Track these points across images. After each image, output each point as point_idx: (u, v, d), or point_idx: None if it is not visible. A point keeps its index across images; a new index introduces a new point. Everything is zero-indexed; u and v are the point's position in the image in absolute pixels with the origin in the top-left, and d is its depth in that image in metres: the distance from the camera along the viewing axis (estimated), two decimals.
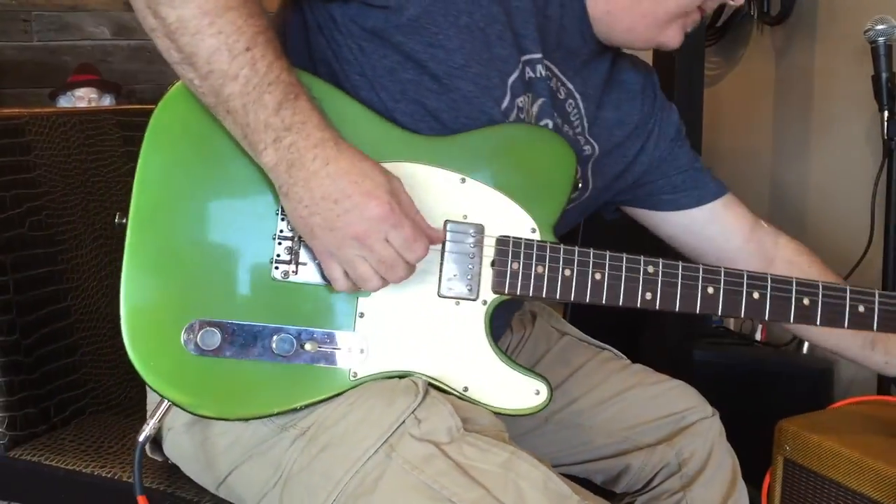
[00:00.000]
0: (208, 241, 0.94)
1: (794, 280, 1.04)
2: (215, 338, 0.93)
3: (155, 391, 0.94)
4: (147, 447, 1.01)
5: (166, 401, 0.94)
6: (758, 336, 2.24)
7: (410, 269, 0.93)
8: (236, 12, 0.85)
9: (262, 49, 0.87)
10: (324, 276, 0.95)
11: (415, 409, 0.93)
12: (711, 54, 2.48)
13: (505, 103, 1.02)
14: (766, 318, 1.03)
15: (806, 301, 1.04)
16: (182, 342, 0.93)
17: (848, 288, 1.05)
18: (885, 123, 1.69)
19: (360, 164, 0.90)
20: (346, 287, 0.93)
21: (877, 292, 1.06)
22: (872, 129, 1.72)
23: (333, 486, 0.92)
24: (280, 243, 0.95)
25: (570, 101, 1.13)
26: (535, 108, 1.07)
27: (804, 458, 1.42)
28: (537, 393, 1.00)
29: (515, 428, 1.02)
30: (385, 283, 0.93)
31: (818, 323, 1.04)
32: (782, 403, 1.52)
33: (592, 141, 1.16)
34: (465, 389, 0.99)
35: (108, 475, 1.16)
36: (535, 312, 1.33)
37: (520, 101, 1.04)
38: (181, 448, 1.06)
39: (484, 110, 1.00)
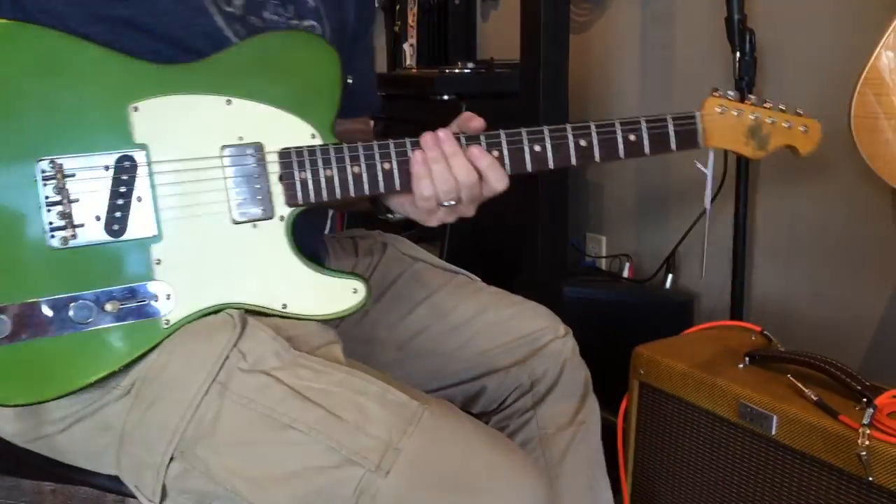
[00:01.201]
0: None
1: (567, 125, 1.03)
2: (4, 325, 0.88)
3: None
4: None
5: None
6: (625, 273, 2.33)
7: None
8: None
9: None
10: (109, 232, 0.91)
11: (236, 342, 0.91)
12: (581, 0, 2.52)
13: None
14: (572, 163, 1.03)
15: (583, 143, 1.03)
16: None
17: (617, 121, 1.05)
18: (737, 65, 1.76)
19: None
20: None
21: (643, 118, 1.06)
22: (730, 70, 1.79)
23: (171, 435, 0.90)
24: (49, 210, 0.90)
25: None
26: None
27: (657, 381, 1.49)
28: (355, 291, 0.99)
29: (371, 361, 1.00)
30: None
31: (598, 158, 1.04)
32: (647, 335, 1.58)
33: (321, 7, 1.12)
34: (285, 307, 0.97)
35: None
36: (386, 242, 1.30)
37: None
38: None
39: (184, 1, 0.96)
